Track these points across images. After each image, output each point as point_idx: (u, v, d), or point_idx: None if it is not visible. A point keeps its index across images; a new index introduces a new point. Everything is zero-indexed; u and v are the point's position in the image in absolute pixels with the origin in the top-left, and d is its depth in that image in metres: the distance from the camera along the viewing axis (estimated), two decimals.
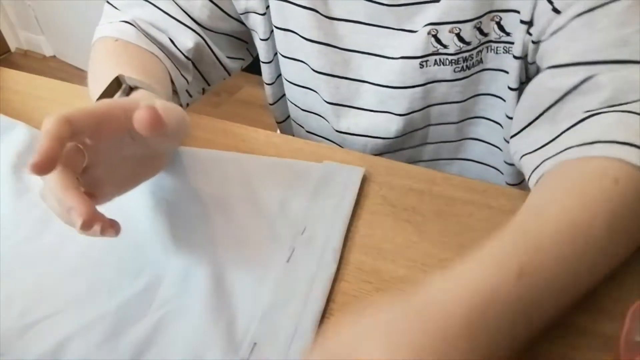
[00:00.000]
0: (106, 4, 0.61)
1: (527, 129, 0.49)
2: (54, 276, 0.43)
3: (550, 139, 0.44)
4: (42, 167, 0.34)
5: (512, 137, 0.52)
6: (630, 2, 0.42)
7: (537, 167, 0.43)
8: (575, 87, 0.43)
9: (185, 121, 0.44)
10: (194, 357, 0.37)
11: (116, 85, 0.47)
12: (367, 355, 0.28)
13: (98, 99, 0.48)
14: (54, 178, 0.36)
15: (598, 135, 0.39)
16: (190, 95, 0.67)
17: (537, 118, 0.47)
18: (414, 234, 0.45)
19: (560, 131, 0.43)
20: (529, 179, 0.45)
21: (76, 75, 2.26)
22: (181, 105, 0.66)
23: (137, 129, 0.36)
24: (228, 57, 0.67)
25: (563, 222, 0.35)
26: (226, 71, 0.68)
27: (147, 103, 0.37)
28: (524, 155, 0.47)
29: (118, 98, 0.46)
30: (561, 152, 0.41)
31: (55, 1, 2.15)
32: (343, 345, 0.30)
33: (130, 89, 0.47)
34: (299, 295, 0.40)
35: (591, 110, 0.41)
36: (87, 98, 0.59)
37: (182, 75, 0.62)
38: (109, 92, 0.47)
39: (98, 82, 0.51)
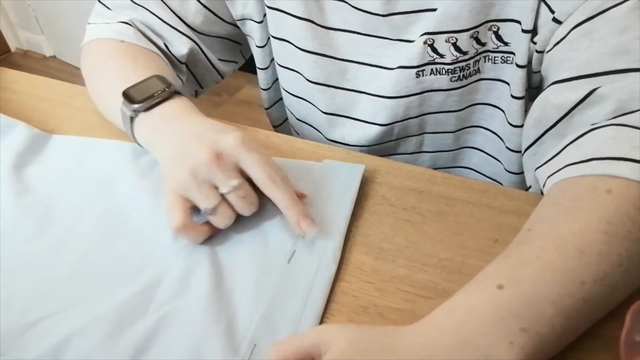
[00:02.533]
0: (97, 2, 0.61)
1: (534, 146, 0.49)
2: (53, 276, 0.43)
3: (556, 152, 0.43)
4: None
5: (523, 153, 0.52)
6: (632, 5, 0.41)
7: (544, 184, 0.43)
8: (579, 102, 0.42)
9: None
10: (194, 357, 0.37)
11: (163, 85, 0.49)
12: None
13: (130, 91, 0.49)
14: None
15: (593, 152, 0.38)
16: None
17: (544, 134, 0.47)
18: (414, 234, 0.45)
19: (565, 144, 0.42)
20: (542, 192, 0.45)
21: (76, 75, 2.25)
22: None
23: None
24: (220, 60, 0.67)
25: (549, 237, 0.34)
26: (219, 74, 0.68)
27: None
28: (537, 169, 0.47)
29: None
30: (560, 169, 0.40)
31: (55, 1, 2.15)
32: None
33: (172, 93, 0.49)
34: (299, 295, 0.40)
35: (596, 124, 0.41)
36: (87, 98, 0.59)
37: (177, 76, 0.62)
38: (148, 88, 0.49)
39: (121, 80, 0.51)
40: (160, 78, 0.51)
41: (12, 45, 2.54)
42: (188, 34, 0.61)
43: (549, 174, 0.42)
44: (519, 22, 0.49)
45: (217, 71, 0.67)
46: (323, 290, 0.40)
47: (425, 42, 0.52)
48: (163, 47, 0.60)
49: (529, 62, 0.51)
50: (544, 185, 0.43)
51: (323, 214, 0.46)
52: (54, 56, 2.48)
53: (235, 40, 0.67)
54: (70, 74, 2.32)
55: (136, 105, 0.48)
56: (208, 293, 0.41)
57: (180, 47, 0.60)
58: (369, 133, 0.61)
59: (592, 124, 0.41)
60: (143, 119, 0.49)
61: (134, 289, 0.41)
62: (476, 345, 0.30)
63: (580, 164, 0.38)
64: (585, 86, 0.42)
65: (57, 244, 0.45)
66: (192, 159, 0.42)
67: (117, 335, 0.38)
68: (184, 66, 0.63)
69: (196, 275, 0.42)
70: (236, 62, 0.71)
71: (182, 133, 0.46)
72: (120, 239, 0.45)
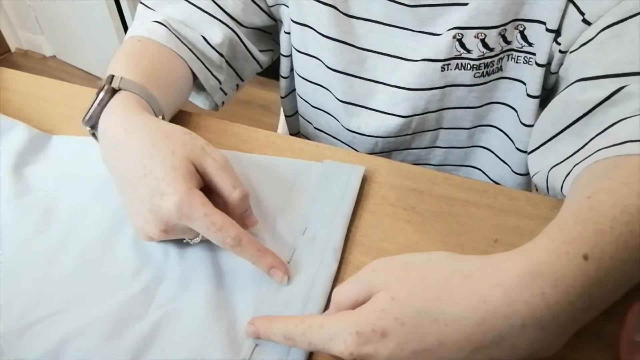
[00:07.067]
0: (139, 4, 0.61)
1: (548, 144, 0.49)
2: (54, 276, 0.43)
3: (579, 147, 0.43)
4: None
5: (530, 152, 0.52)
6: None
7: (569, 173, 0.43)
8: (605, 99, 0.42)
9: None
10: (194, 357, 0.37)
11: (108, 84, 0.47)
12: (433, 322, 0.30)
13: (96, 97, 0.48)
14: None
15: (628, 136, 0.38)
16: (225, 93, 0.67)
17: (562, 131, 0.47)
18: (414, 234, 0.45)
19: (589, 138, 0.42)
20: (561, 187, 0.44)
21: (76, 75, 2.26)
22: (216, 104, 0.67)
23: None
24: (260, 51, 0.67)
25: (617, 208, 0.34)
26: (259, 65, 0.69)
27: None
28: (552, 168, 0.46)
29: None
30: (591, 154, 0.40)
31: (55, 1, 2.14)
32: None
33: (114, 91, 0.47)
34: (299, 295, 0.40)
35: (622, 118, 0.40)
36: (86, 98, 0.59)
37: (213, 75, 0.62)
38: (100, 89, 0.47)
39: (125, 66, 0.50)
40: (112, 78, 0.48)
41: (12, 45, 2.54)
42: (227, 23, 0.60)
43: (577, 162, 0.42)
44: (544, 22, 0.50)
45: (256, 61, 0.68)
46: (323, 290, 0.40)
47: (454, 37, 0.53)
48: (200, 41, 0.59)
49: (549, 62, 0.51)
50: (566, 176, 0.43)
51: (323, 214, 0.46)
52: (54, 56, 2.48)
53: (268, 31, 0.67)
54: (70, 74, 2.31)
55: (84, 124, 0.47)
56: (209, 293, 0.41)
57: (219, 37, 0.60)
58: (387, 124, 0.61)
59: (617, 120, 0.41)
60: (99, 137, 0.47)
61: (134, 289, 0.41)
62: (568, 313, 0.31)
63: (615, 147, 0.38)
64: (611, 85, 0.42)
65: (57, 243, 0.45)
66: (143, 232, 0.42)
67: (117, 335, 0.38)
68: (223, 60, 0.62)
69: (196, 275, 0.42)
70: (273, 50, 0.71)
71: (124, 181, 0.43)
72: (120, 239, 0.45)
